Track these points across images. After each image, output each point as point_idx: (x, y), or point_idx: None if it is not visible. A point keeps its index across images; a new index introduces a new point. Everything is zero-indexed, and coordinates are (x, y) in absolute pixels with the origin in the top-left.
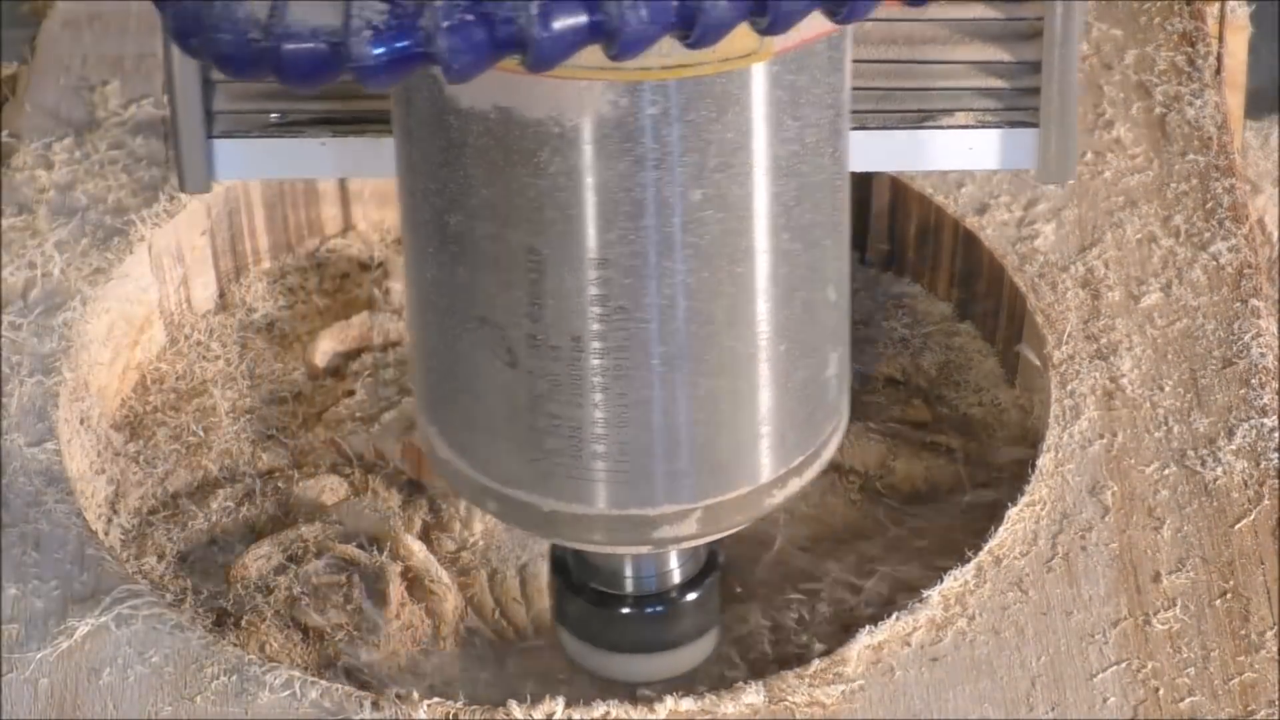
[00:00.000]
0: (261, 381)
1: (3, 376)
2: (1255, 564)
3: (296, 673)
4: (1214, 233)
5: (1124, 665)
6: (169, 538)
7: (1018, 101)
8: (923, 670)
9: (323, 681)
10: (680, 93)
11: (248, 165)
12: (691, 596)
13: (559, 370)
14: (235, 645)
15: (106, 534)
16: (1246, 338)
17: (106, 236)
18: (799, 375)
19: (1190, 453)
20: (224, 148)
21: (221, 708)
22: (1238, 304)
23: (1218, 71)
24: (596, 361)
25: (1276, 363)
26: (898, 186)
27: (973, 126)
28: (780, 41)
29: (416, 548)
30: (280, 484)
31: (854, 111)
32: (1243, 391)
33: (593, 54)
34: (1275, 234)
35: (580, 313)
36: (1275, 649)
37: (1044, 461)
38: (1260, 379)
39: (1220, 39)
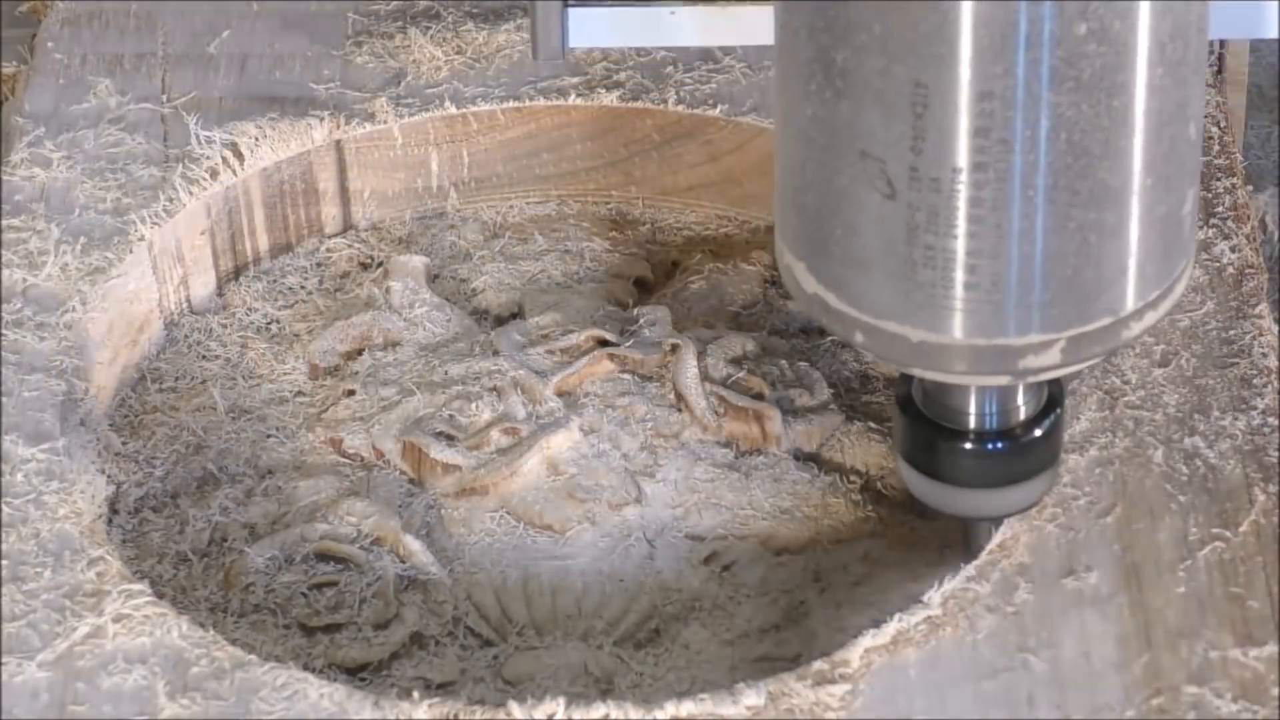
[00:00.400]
0: (261, 381)
1: (3, 376)
2: (1257, 564)
3: (296, 672)
4: (1215, 232)
5: (1125, 665)
6: (169, 538)
7: None
8: (923, 671)
9: (323, 681)
10: None
11: (600, 33)
12: (1035, 434)
13: (937, 202)
14: (235, 645)
15: (107, 534)
16: (1247, 338)
17: (106, 236)
18: (1160, 210)
19: (1191, 452)
20: (578, 15)
21: (222, 708)
22: (1239, 304)
23: (1219, 71)
24: (975, 193)
25: (1277, 363)
26: None
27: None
28: None
29: (416, 547)
30: (280, 484)
31: None
32: (1243, 391)
33: None
34: (1276, 234)
35: (962, 145)
36: (1277, 648)
37: None
38: (1261, 379)
39: (1221, 40)
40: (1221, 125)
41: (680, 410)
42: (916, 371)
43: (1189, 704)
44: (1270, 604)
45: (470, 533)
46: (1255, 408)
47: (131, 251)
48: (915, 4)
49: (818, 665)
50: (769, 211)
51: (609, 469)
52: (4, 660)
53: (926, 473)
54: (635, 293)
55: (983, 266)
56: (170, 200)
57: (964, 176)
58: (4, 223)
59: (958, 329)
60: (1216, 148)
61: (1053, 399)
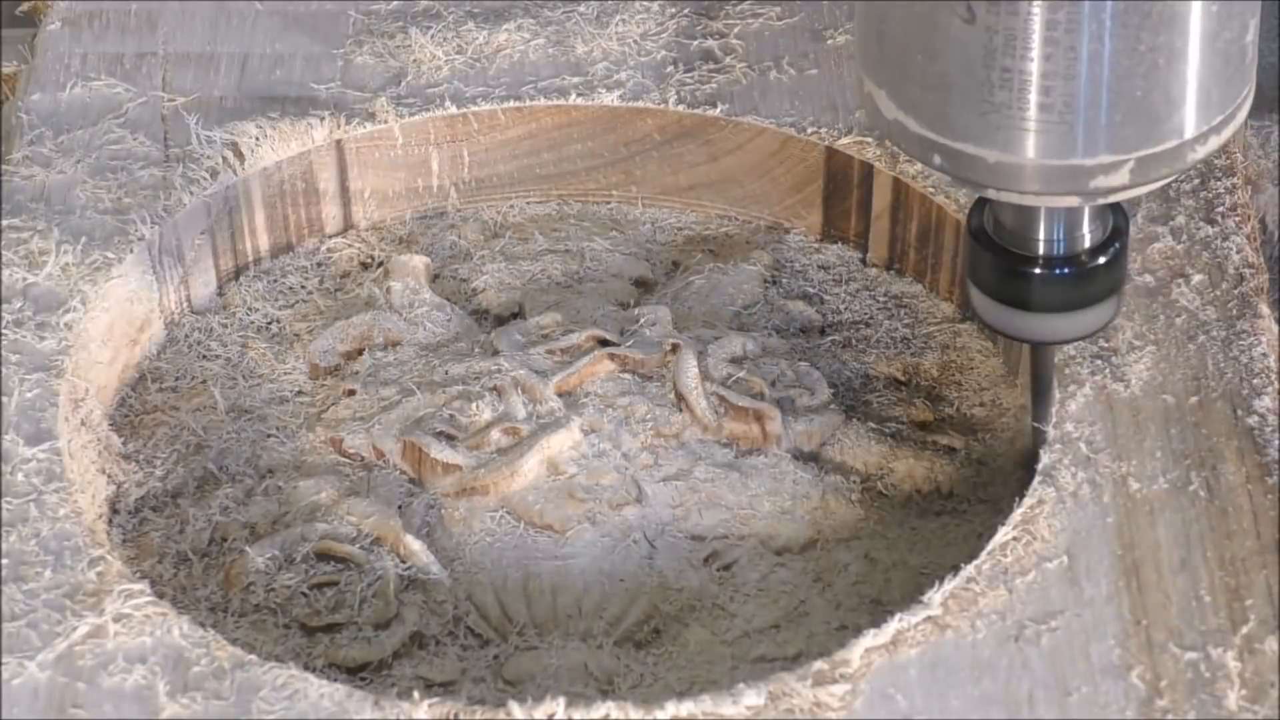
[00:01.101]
0: (261, 381)
1: (3, 376)
2: (1257, 564)
3: (297, 672)
4: (1215, 232)
5: (1125, 665)
6: (169, 538)
7: None
8: (923, 670)
9: (323, 681)
10: None
11: None
12: (1100, 260)
13: (1015, 25)
14: (235, 645)
15: (107, 534)
16: (1248, 337)
17: (106, 236)
18: (1225, 36)
19: (1191, 452)
20: None
21: (222, 707)
22: (1239, 303)
23: None
24: (1052, 16)
25: (1277, 362)
26: (899, 187)
27: None
28: None
29: (417, 547)
30: (280, 484)
31: None
32: (1244, 391)
33: None
34: (1275, 234)
35: None
36: (1277, 647)
37: (1046, 461)
38: (1261, 378)
39: None
40: None
41: (680, 410)
42: (990, 193)
43: (1189, 703)
44: (1270, 603)
45: (470, 533)
46: (1255, 408)
47: (132, 251)
48: None
49: (818, 665)
50: (769, 211)
51: (609, 469)
52: (4, 660)
53: (999, 299)
54: (635, 293)
55: (1058, 88)
56: (170, 200)
57: (1039, 1)
58: (4, 222)
59: (1031, 149)
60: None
61: (1118, 229)
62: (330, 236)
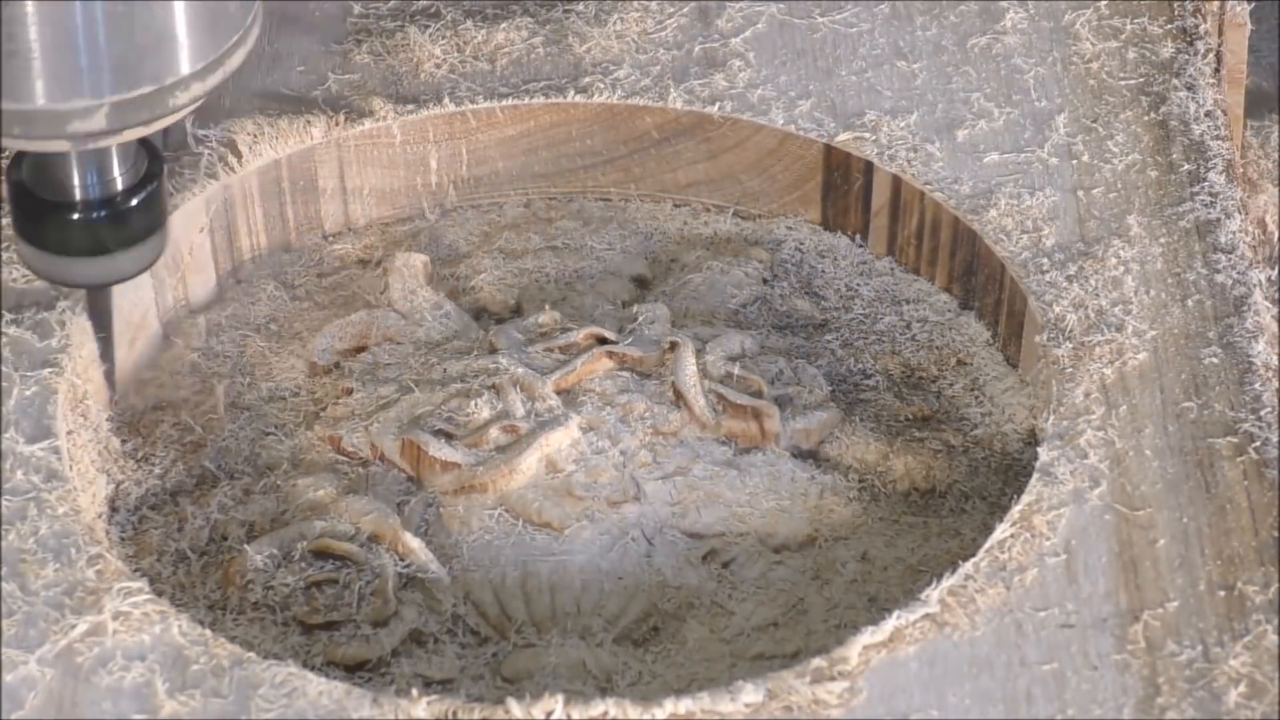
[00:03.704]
0: (260, 379)
1: (2, 375)
2: (1255, 561)
3: (295, 670)
4: (1214, 229)
5: (1124, 662)
6: (168, 536)
7: None
8: (922, 668)
9: (322, 679)
10: None
11: None
12: (134, 201)
13: None
14: (234, 643)
15: (106, 532)
16: (1247, 336)
17: None
18: None
19: (1190, 450)
20: None
21: (221, 705)
22: (1237, 300)
23: (1217, 69)
24: None
25: (1277, 361)
26: (898, 184)
27: None
28: None
29: (416, 545)
30: (279, 482)
31: None
32: (1243, 390)
33: None
34: (1275, 233)
35: None
36: (1276, 646)
37: (1044, 458)
38: (1260, 377)
39: (1220, 36)
40: (1221, 123)
41: (679, 408)
42: None
43: (1187, 701)
44: (1269, 602)
45: (469, 530)
46: (1255, 408)
47: None
48: None
49: (816, 662)
50: (767, 208)
51: (608, 467)
52: (4, 657)
53: (38, 245)
54: (634, 290)
55: (20, 35)
56: (169, 198)
57: None
58: (4, 222)
59: (8, 94)
60: (1217, 146)
61: (151, 172)
62: (329, 234)
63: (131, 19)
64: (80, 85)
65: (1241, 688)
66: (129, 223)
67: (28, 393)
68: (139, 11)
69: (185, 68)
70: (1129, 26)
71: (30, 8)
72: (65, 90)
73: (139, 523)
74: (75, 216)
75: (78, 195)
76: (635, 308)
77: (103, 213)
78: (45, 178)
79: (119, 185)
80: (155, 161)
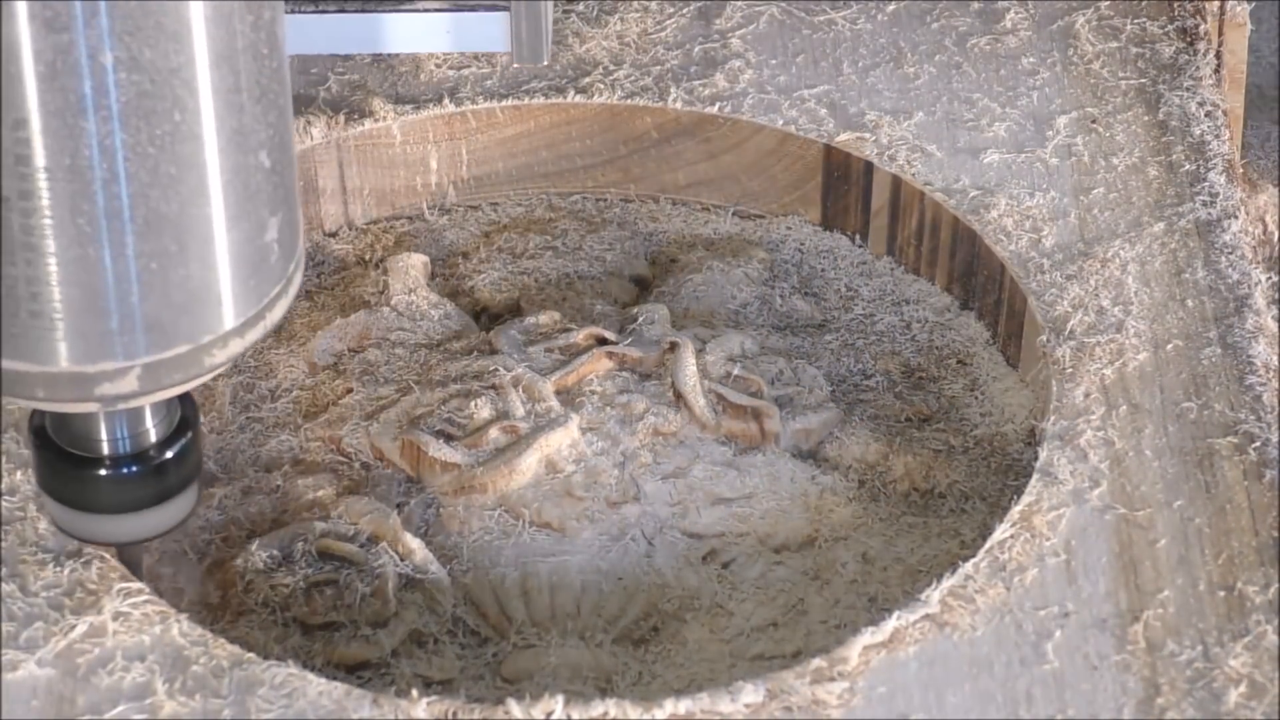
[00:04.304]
0: (260, 379)
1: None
2: (1255, 561)
3: (295, 670)
4: (1214, 229)
5: (1124, 663)
6: (168, 535)
7: None
8: (922, 668)
9: (322, 679)
10: None
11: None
12: (169, 454)
13: None
14: (234, 643)
15: None
16: (1247, 336)
17: None
18: (234, 237)
19: (1190, 450)
20: None
21: (220, 706)
22: (1237, 300)
23: (1217, 69)
24: (25, 221)
25: (1277, 361)
26: (897, 183)
27: (446, 9)
28: None
29: (415, 545)
30: (278, 482)
31: None
32: (1243, 390)
33: None
34: (1275, 233)
35: (7, 172)
36: (1276, 646)
37: (1044, 458)
38: (1260, 377)
39: (1220, 36)
40: (1221, 123)
41: (679, 408)
42: (8, 398)
43: (1188, 701)
44: (1268, 601)
45: (469, 531)
46: (1255, 408)
47: None
48: None
49: (816, 663)
50: (767, 208)
51: (607, 467)
52: (3, 658)
53: (67, 503)
54: (634, 291)
55: (44, 294)
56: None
57: (11, 204)
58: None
59: (30, 356)
60: (1216, 146)
61: (185, 421)
62: (329, 234)
63: (166, 277)
64: (110, 347)
65: (1241, 688)
66: (163, 478)
67: None
68: (174, 268)
69: (224, 325)
70: (1129, 27)
71: (55, 266)
72: (93, 352)
73: None
74: (103, 473)
75: (105, 450)
76: (635, 308)
77: (134, 468)
78: (70, 429)
79: (152, 438)
80: (189, 405)
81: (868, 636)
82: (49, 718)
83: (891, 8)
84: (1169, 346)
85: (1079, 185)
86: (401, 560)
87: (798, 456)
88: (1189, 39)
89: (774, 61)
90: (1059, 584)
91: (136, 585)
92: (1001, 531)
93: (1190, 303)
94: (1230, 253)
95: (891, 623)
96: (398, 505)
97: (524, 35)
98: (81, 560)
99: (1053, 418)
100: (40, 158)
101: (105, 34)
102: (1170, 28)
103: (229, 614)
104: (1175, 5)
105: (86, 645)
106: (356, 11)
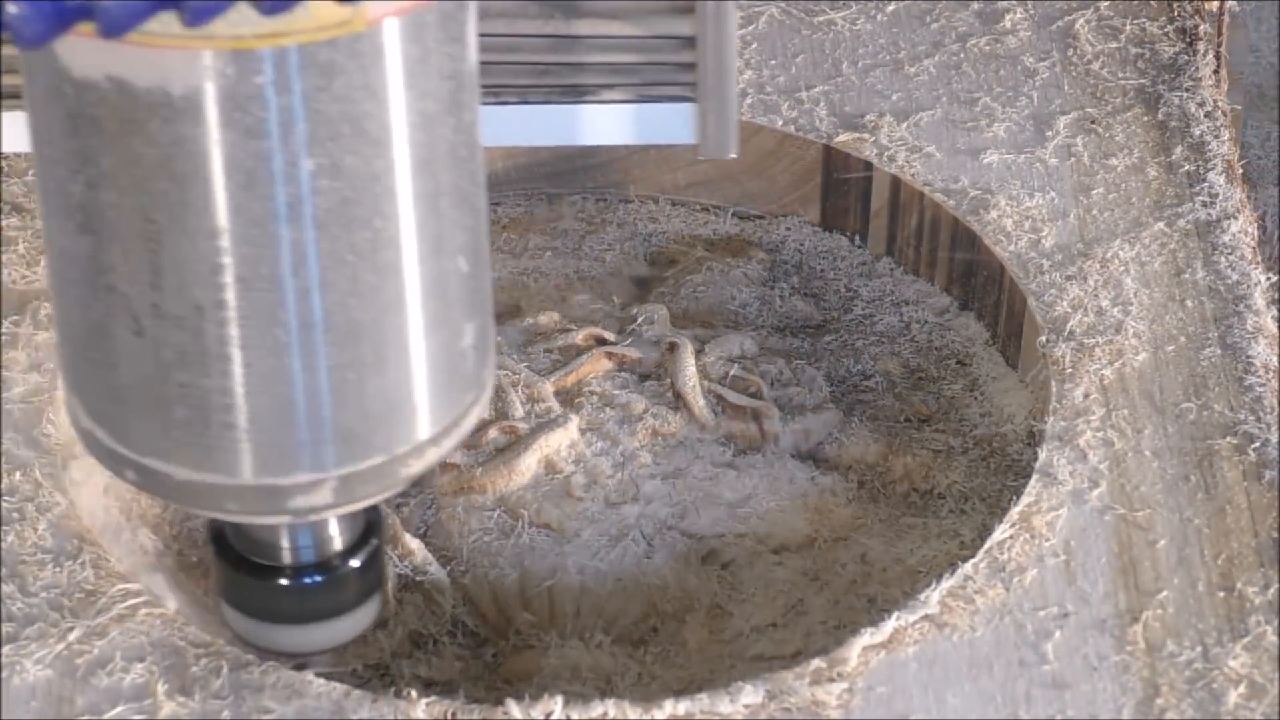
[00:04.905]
0: None
1: (2, 375)
2: (1255, 562)
3: (294, 671)
4: (1213, 230)
5: (1123, 663)
6: (168, 536)
7: (676, 76)
8: (921, 669)
9: (321, 680)
10: (286, 62)
11: None
12: (353, 564)
13: (184, 340)
14: (234, 645)
15: (104, 532)
16: (1247, 336)
17: None
18: (431, 346)
19: (1190, 451)
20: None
21: (220, 707)
22: (1237, 301)
23: (1217, 69)
24: (220, 331)
25: (1277, 361)
26: (897, 184)
27: (632, 101)
28: (376, 9)
29: (415, 546)
30: None
31: (514, 87)
32: (1242, 390)
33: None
34: (1275, 233)
35: (201, 282)
36: (1276, 647)
37: (1043, 458)
38: (1260, 377)
39: (1220, 36)
40: (1220, 123)
41: (678, 409)
42: (194, 510)
43: (1187, 702)
44: (1268, 602)
45: (468, 531)
46: (1255, 409)
47: None
48: (136, 139)
49: (816, 663)
50: (767, 208)
51: (607, 467)
52: (2, 659)
53: (240, 609)
54: (633, 291)
55: (239, 405)
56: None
57: (207, 314)
58: (4, 222)
59: (221, 468)
60: (1216, 146)
61: (370, 524)
62: None
63: (363, 387)
64: (304, 459)
65: (1241, 689)
66: (346, 587)
67: (26, 393)
68: (371, 378)
69: (420, 435)
70: (1129, 27)
71: (249, 376)
72: (287, 464)
73: (139, 523)
74: (284, 582)
75: (288, 559)
76: (635, 308)
77: (317, 578)
78: (251, 535)
79: (336, 546)
80: (374, 510)
81: (867, 637)
82: (48, 718)
83: (891, 8)
84: (1169, 347)
85: (1078, 186)
86: (400, 561)
87: (797, 457)
88: (1189, 39)
89: (774, 61)
90: (1058, 584)
91: (136, 586)
92: (1001, 532)
93: (1190, 303)
94: (1230, 253)
95: (891, 623)
96: (397, 505)
97: (712, 128)
98: (80, 561)
99: (1052, 418)
100: (237, 267)
101: (306, 140)
102: (1170, 28)
103: None
104: (1175, 5)
105: (86, 646)
106: (539, 103)
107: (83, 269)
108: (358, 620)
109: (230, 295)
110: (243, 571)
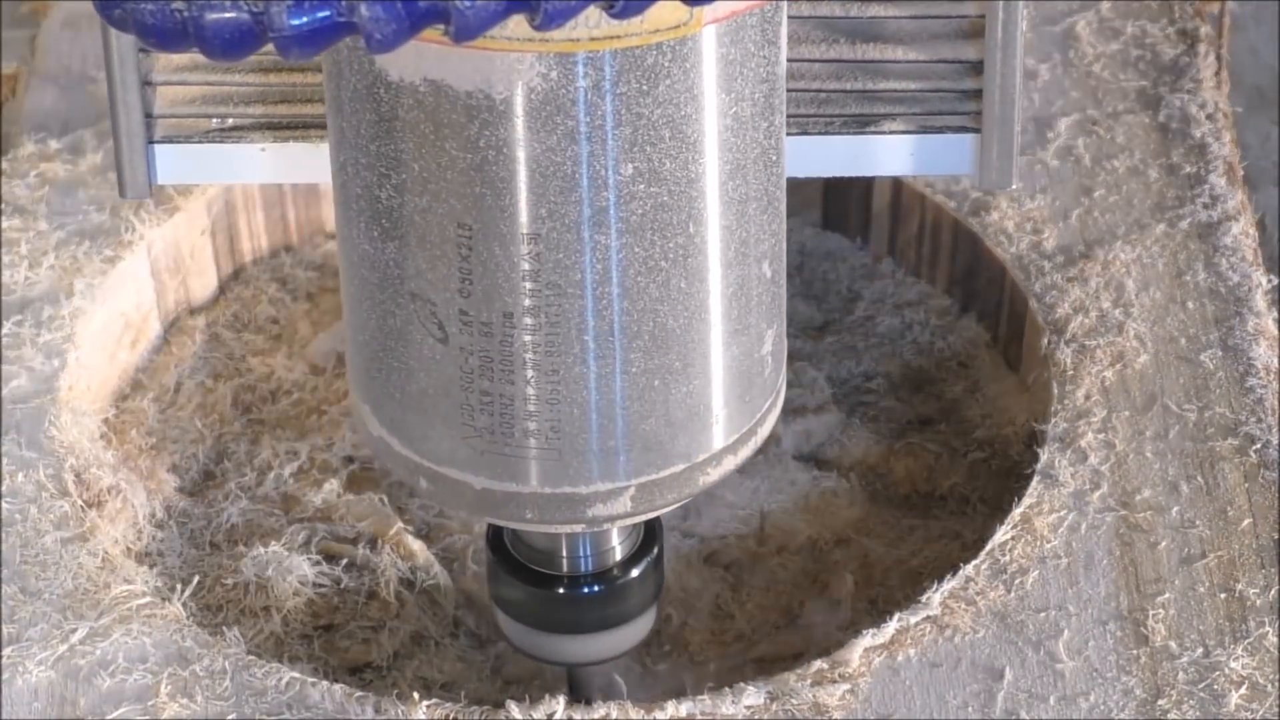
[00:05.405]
0: (261, 380)
1: (3, 376)
2: (1256, 563)
3: (296, 673)
4: (1214, 231)
5: (1124, 664)
6: (168, 536)
7: (958, 105)
8: (923, 670)
9: (323, 681)
10: (610, 65)
11: (188, 170)
12: (633, 574)
13: (490, 346)
14: (235, 645)
15: (105, 533)
16: (1248, 338)
17: (106, 236)
18: (733, 352)
19: (1191, 452)
20: (164, 153)
21: (222, 708)
22: (1238, 302)
23: (1218, 71)
24: (528, 338)
25: (1278, 363)
26: (898, 185)
27: (913, 132)
28: (710, 13)
29: (417, 546)
30: (280, 482)
31: (794, 116)
32: (1243, 392)
33: (520, 25)
34: (1275, 234)
35: (511, 288)
36: (1276, 648)
37: (1045, 460)
38: (1260, 378)
39: (1220, 38)
40: (1221, 124)
41: None
42: (489, 519)
43: (1189, 703)
44: (1269, 603)
45: (470, 533)
46: (1256, 410)
47: (132, 252)
48: (452, 143)
49: (817, 665)
50: None
51: None
52: (4, 660)
53: (516, 618)
54: None
55: (542, 413)
56: (170, 200)
57: (515, 320)
58: (4, 223)
59: (521, 476)
60: (1216, 147)
61: (650, 533)
62: (330, 236)
63: (668, 394)
64: (606, 467)
65: (1242, 690)
66: (624, 599)
67: (27, 394)
68: (676, 385)
69: (718, 442)
70: (1130, 28)
71: (556, 383)
72: (588, 472)
73: (139, 524)
74: (561, 591)
75: (565, 569)
76: None
77: (595, 588)
78: (529, 543)
79: (616, 556)
80: (651, 529)
81: (869, 638)
82: (50, 719)
83: None
84: (1170, 349)
85: (1080, 187)
86: (403, 562)
87: (799, 459)
88: (1189, 41)
89: None
90: (1060, 586)
91: (138, 587)
92: (1002, 533)
93: (1191, 305)
94: (1231, 255)
95: (893, 624)
96: (399, 507)
97: (995, 158)
98: (82, 561)
99: (1053, 420)
100: (549, 273)
101: (626, 144)
102: (1171, 30)
103: (230, 616)
104: (1176, 7)
105: (88, 647)
106: (822, 133)
107: (384, 275)
108: (634, 631)
109: (541, 301)
110: (520, 577)
